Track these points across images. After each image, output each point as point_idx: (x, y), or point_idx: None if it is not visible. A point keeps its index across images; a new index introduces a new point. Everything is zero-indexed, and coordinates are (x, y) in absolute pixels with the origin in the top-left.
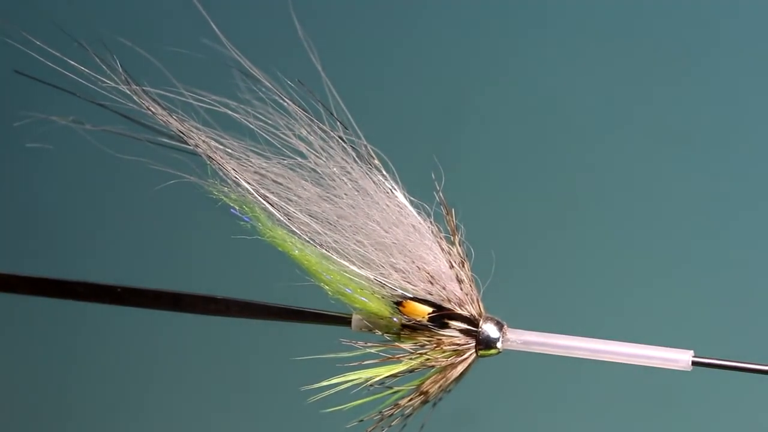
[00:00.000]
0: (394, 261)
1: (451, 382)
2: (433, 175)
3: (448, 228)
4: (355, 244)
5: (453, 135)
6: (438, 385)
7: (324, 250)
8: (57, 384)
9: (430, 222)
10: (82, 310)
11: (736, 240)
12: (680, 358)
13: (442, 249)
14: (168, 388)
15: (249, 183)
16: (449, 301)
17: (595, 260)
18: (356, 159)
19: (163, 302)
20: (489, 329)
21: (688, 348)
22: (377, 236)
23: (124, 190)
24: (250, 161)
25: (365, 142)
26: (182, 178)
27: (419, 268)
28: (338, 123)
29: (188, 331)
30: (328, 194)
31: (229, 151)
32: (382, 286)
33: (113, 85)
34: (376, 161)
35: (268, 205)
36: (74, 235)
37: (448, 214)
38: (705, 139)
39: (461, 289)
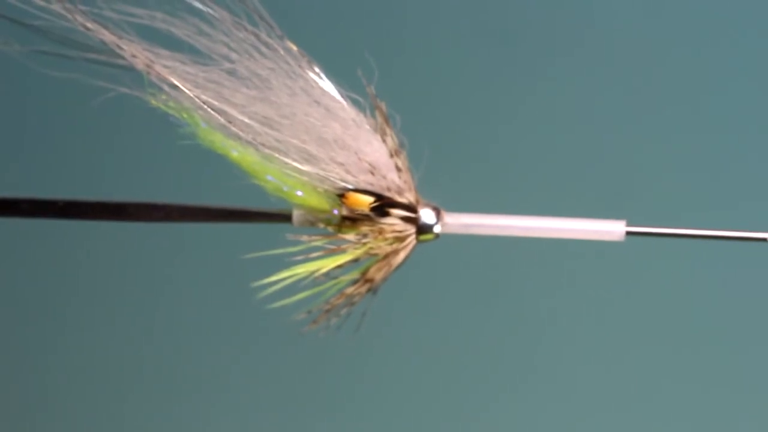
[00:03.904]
0: (334, 155)
1: (394, 268)
2: (360, 72)
3: (380, 120)
4: (294, 141)
5: (383, 30)
6: (382, 272)
7: (263, 150)
8: None
9: (367, 115)
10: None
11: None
12: (614, 229)
13: (381, 140)
14: (116, 299)
15: (187, 89)
16: (389, 190)
17: (519, 142)
18: (289, 60)
19: (106, 212)
20: (426, 215)
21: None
22: (316, 132)
23: (61, 106)
24: (186, 70)
25: (291, 41)
26: (118, 91)
27: (359, 160)
28: (267, 25)
29: (134, 240)
30: (264, 96)
31: (163, 62)
32: (324, 180)
33: (45, 4)
34: (308, 59)
35: (206, 109)
36: (13, 155)
37: (378, 107)
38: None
39: (399, 178)
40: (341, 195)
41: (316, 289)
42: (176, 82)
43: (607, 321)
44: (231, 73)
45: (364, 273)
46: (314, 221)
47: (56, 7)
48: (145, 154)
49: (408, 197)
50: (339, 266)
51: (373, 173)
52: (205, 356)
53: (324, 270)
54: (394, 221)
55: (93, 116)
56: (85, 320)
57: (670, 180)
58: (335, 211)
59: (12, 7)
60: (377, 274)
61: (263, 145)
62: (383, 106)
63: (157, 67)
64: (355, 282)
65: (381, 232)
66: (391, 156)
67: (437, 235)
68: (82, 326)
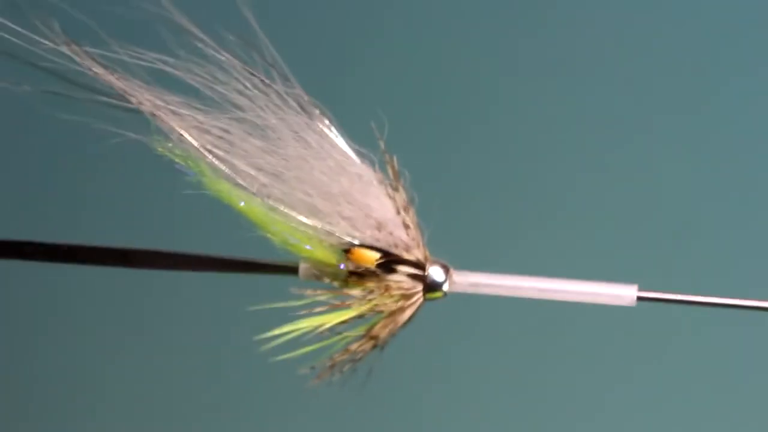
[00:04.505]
0: (341, 209)
1: (400, 326)
2: (373, 125)
3: (391, 175)
4: (301, 194)
5: (395, 83)
6: (387, 330)
7: (270, 202)
8: None
9: (375, 169)
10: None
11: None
12: (625, 294)
13: (389, 196)
14: (118, 348)
15: (193, 138)
16: (396, 246)
17: (531, 203)
18: (299, 111)
19: (111, 259)
20: (435, 272)
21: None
22: (323, 186)
23: (66, 150)
24: (194, 117)
25: (302, 92)
26: (125, 136)
27: (366, 215)
28: (279, 74)
29: (135, 289)
30: (272, 147)
31: (171, 107)
32: (330, 235)
33: (53, 46)
34: (318, 111)
35: (212, 159)
36: (19, 197)
37: (389, 161)
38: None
39: (407, 235)
40: (347, 250)
41: (319, 344)
42: (182, 132)
43: (618, 383)
44: (240, 121)
45: (369, 330)
46: (320, 275)
47: (65, 49)
48: (151, 201)
49: (416, 254)
50: (343, 322)
51: (379, 229)
52: (206, 406)
53: (328, 325)
54: (401, 278)
55: (99, 161)
56: (86, 367)
57: (686, 243)
58: (342, 266)
59: (18, 47)
60: (382, 331)
61: (269, 197)
62: (394, 161)
63: (164, 115)
64: (359, 338)
65: (387, 288)
66: (399, 212)
67: (445, 294)
68: (83, 373)
